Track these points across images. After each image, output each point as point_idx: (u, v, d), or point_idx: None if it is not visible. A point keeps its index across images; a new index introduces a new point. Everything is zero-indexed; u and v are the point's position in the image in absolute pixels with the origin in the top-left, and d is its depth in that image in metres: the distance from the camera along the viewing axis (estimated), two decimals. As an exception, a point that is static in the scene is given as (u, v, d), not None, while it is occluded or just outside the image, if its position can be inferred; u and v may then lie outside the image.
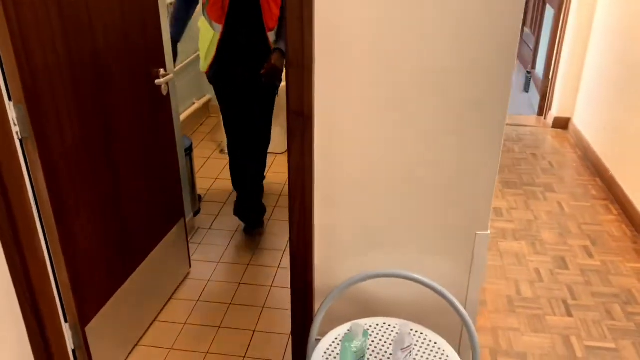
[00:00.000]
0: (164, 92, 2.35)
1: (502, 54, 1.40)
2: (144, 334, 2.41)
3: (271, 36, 2.61)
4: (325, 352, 1.54)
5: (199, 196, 3.33)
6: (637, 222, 3.19)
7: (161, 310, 2.55)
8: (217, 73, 2.72)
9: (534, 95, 5.06)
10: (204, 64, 2.72)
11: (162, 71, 2.31)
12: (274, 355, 2.32)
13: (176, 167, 2.61)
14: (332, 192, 1.61)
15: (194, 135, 4.30)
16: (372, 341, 1.58)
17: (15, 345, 1.76)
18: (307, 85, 1.47)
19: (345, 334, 1.44)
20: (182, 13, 2.75)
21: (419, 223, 1.61)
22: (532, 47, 5.48)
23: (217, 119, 4.36)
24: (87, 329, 1.99)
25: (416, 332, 1.61)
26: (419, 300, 1.69)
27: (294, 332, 1.81)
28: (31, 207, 1.71)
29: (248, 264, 2.89)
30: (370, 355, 1.54)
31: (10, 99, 1.59)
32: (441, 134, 1.50)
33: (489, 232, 1.58)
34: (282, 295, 2.65)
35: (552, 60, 4.62)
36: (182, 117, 4.00)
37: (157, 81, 2.28)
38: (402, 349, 1.46)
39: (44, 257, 1.79)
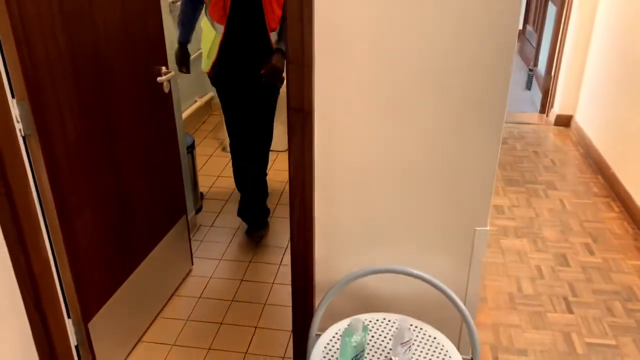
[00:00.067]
0: (166, 90, 2.36)
1: (501, 52, 1.41)
2: (146, 330, 2.43)
3: (273, 37, 2.60)
4: (325, 347, 1.56)
5: (201, 194, 3.34)
6: (638, 220, 3.20)
7: (163, 306, 2.56)
8: (219, 74, 2.73)
9: (536, 93, 5.06)
10: (206, 65, 2.73)
11: (163, 69, 2.32)
12: (275, 351, 2.34)
13: (178, 165, 2.62)
14: (333, 188, 1.62)
15: (196, 133, 4.31)
16: (372, 336, 1.60)
17: (18, 341, 1.78)
18: (307, 82, 1.48)
19: (345, 328, 1.45)
20: (188, 15, 2.76)
21: (418, 219, 1.62)
22: (534, 44, 5.48)
23: (219, 117, 4.37)
24: (90, 325, 2.01)
25: (416, 327, 1.62)
26: (419, 296, 1.70)
27: (295, 327, 1.82)
28: (35, 205, 1.73)
29: (250, 261, 2.90)
30: (370, 350, 1.55)
31: (13, 96, 1.60)
32: (440, 130, 1.51)
33: (487, 228, 1.59)
34: (284, 292, 2.66)
35: (554, 57, 4.62)
36: (185, 115, 4.02)
37: (158, 79, 2.29)
38: (401, 344, 1.47)
39: (47, 253, 1.80)
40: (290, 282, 1.81)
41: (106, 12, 1.94)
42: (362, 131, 1.55)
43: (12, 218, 1.65)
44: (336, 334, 1.60)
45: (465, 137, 1.51)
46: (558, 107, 4.56)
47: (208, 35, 2.67)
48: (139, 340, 2.37)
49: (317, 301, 1.76)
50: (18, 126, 1.64)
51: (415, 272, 1.58)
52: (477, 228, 1.59)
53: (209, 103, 4.58)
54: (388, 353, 1.54)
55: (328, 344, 1.57)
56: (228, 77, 2.73)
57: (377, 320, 1.65)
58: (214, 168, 3.82)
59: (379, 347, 1.56)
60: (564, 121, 4.53)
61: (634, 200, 3.26)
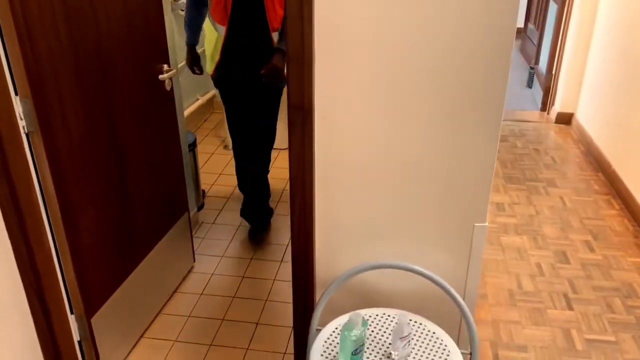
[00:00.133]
0: (168, 88, 2.38)
1: (500, 50, 1.42)
2: (148, 326, 2.44)
3: (275, 37, 2.60)
4: (325, 342, 1.57)
5: (203, 191, 3.36)
6: (639, 217, 3.20)
7: (166, 303, 2.58)
8: (221, 75, 2.73)
9: (537, 91, 5.07)
10: (210, 67, 2.73)
11: (165, 67, 2.33)
12: (276, 347, 2.35)
13: (180, 162, 2.64)
14: (333, 185, 1.64)
15: (198, 131, 4.33)
16: (372, 331, 1.61)
17: (22, 337, 1.79)
18: (307, 80, 1.50)
19: (345, 323, 1.46)
20: (193, 17, 2.76)
21: (417, 215, 1.63)
22: (535, 42, 5.48)
23: (220, 115, 4.39)
24: (93, 320, 2.02)
25: (415, 322, 1.63)
26: (418, 292, 1.71)
27: (296, 322, 1.84)
28: (38, 201, 1.75)
29: (251, 258, 2.92)
30: (370, 344, 1.56)
31: (16, 93, 1.62)
32: (439, 127, 1.52)
33: (486, 224, 1.60)
34: (285, 289, 2.68)
35: (555, 55, 4.63)
36: (186, 112, 4.03)
37: (160, 76, 2.31)
38: (401, 338, 1.48)
39: (50, 249, 1.82)
40: (290, 279, 1.83)
41: (107, 10, 1.95)
42: (362, 128, 1.56)
43: (16, 214, 1.67)
44: (336, 328, 1.61)
45: (464, 134, 1.52)
46: (559, 105, 4.57)
47: (211, 37, 2.68)
48: (141, 336, 2.39)
49: (317, 296, 1.78)
50: (21, 123, 1.65)
51: (415, 267, 1.59)
52: (476, 224, 1.61)
53: (210, 101, 4.60)
54: (387, 347, 1.56)
55: (328, 338, 1.58)
56: (229, 77, 2.73)
57: (377, 315, 1.66)
58: (215, 166, 3.84)
59: (379, 341, 1.58)
60: (565, 119, 4.54)
61: (635, 198, 3.27)
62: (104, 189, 2.03)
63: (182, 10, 3.85)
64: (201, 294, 2.66)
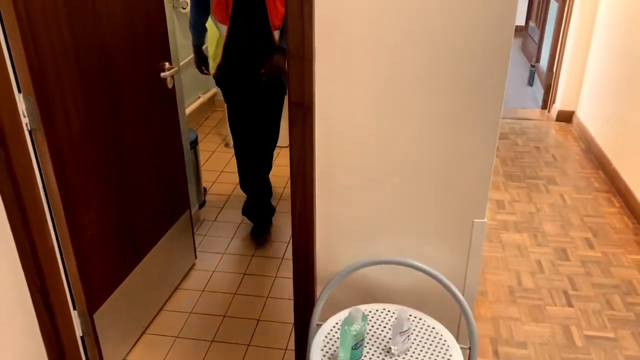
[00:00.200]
0: (170, 86, 2.39)
1: (499, 45, 1.43)
2: (150, 323, 2.46)
3: (277, 35, 2.60)
4: (326, 337, 1.58)
5: (204, 189, 3.38)
6: (639, 214, 3.21)
7: (167, 299, 2.60)
8: (223, 74, 2.74)
9: (538, 89, 5.08)
10: (212, 66, 2.74)
11: (167, 64, 2.35)
12: (277, 343, 2.37)
13: (181, 160, 2.65)
14: (333, 181, 1.65)
15: (199, 128, 4.35)
16: (372, 326, 1.62)
17: (25, 332, 1.81)
18: (307, 77, 1.51)
19: (345, 318, 1.48)
20: (198, 18, 2.76)
21: (417, 211, 1.64)
22: (536, 41, 5.49)
23: (222, 112, 4.40)
24: (95, 316, 2.04)
25: (415, 317, 1.65)
26: (418, 288, 1.72)
27: (296, 317, 1.85)
28: (41, 198, 1.76)
29: (252, 255, 2.93)
30: (370, 339, 1.58)
31: (19, 91, 1.63)
32: (439, 123, 1.53)
33: (485, 220, 1.61)
34: (286, 286, 2.70)
35: (556, 53, 4.63)
36: (188, 110, 4.05)
37: (162, 74, 2.32)
38: (400, 333, 1.50)
39: (53, 245, 1.84)
40: (292, 276, 1.84)
41: (109, 8, 1.96)
42: (362, 125, 1.57)
43: (19, 211, 1.69)
44: (336, 323, 1.63)
45: (464, 130, 1.54)
46: (559, 103, 4.57)
47: (213, 36, 2.69)
48: (143, 333, 2.41)
49: (318, 292, 1.79)
50: (24, 120, 1.67)
51: (415, 263, 1.61)
52: (475, 220, 1.62)
53: (212, 99, 4.61)
54: (387, 342, 1.57)
55: (328, 333, 1.60)
56: (231, 76, 2.74)
57: (377, 310, 1.68)
58: (217, 163, 3.85)
59: (379, 336, 1.59)
60: (566, 117, 4.54)
61: (635, 195, 3.27)
62: (106, 186, 2.05)
63: (184, 9, 3.87)
64: (203, 291, 2.67)
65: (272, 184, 3.12)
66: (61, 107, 1.77)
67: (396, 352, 1.53)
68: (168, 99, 2.44)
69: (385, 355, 1.53)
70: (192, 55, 4.07)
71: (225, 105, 2.93)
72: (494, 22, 1.41)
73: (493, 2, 1.39)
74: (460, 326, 1.75)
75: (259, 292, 2.67)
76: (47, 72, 1.69)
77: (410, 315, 1.64)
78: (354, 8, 1.44)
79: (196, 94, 4.41)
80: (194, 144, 3.06)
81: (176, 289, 2.67)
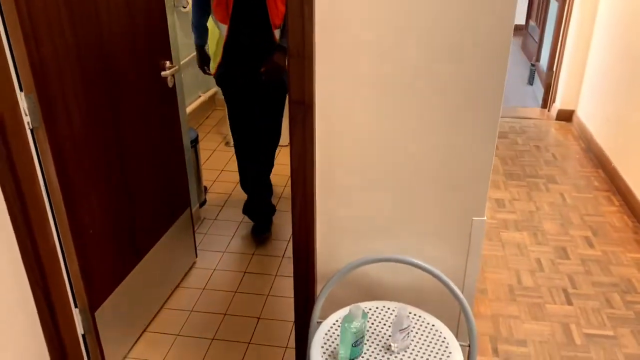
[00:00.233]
0: (170, 84, 2.40)
1: (499, 40, 1.44)
2: (151, 321, 2.47)
3: (277, 34, 2.60)
4: (326, 334, 1.59)
5: (205, 187, 3.38)
6: (638, 213, 3.22)
7: (168, 297, 2.60)
8: (223, 74, 2.74)
9: (538, 88, 5.08)
10: (213, 65, 2.74)
11: (168, 63, 2.35)
12: (278, 341, 2.38)
13: (182, 159, 2.66)
14: (333, 180, 1.66)
15: (199, 127, 4.35)
16: (372, 323, 1.63)
17: (27, 329, 1.82)
18: (307, 75, 1.52)
19: (345, 315, 1.48)
20: (199, 18, 2.76)
21: (417, 209, 1.65)
22: (536, 40, 5.49)
23: (222, 112, 4.40)
24: (97, 314, 2.05)
25: (414, 315, 1.65)
26: (418, 286, 1.73)
27: (297, 315, 1.86)
28: (42, 196, 1.77)
29: (253, 254, 2.94)
30: (370, 336, 1.59)
31: (21, 89, 1.64)
32: (438, 121, 1.54)
33: (484, 218, 1.62)
34: (287, 284, 2.70)
35: (556, 53, 4.64)
36: (188, 109, 4.05)
37: (163, 73, 2.33)
38: (400, 330, 1.50)
39: (54, 243, 1.84)
40: (292, 274, 1.85)
41: (110, 6, 1.97)
42: (362, 124, 1.58)
43: (21, 209, 1.69)
44: (337, 321, 1.63)
45: (464, 129, 1.54)
46: (560, 102, 4.58)
47: (213, 36, 2.69)
48: (144, 330, 2.42)
49: (318, 290, 1.80)
50: (26, 119, 1.67)
51: (414, 261, 1.61)
52: (474, 218, 1.62)
53: (212, 98, 4.62)
54: (387, 339, 1.58)
55: (329, 331, 1.60)
56: (231, 76, 2.74)
57: (377, 308, 1.69)
58: (217, 162, 3.86)
59: (379, 333, 1.60)
60: (566, 116, 4.55)
61: (634, 194, 3.28)
62: (106, 185, 2.05)
63: (184, 8, 3.88)
64: (203, 289, 2.68)
65: (273, 183, 3.13)
66: (62, 106, 1.78)
67: (396, 350, 1.54)
68: (168, 97, 2.45)
69: (385, 353, 1.54)
70: (192, 54, 4.10)
71: (226, 105, 2.93)
72: (494, 21, 1.42)
73: (493, 1, 1.40)
74: (460, 324, 1.76)
75: (260, 290, 2.68)
76: (49, 70, 1.70)
77: (410, 313, 1.64)
78: (354, 7, 1.45)
79: (197, 93, 4.41)
80: (195, 142, 3.07)
81: (177, 287, 2.68)
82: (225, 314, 2.53)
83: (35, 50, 1.63)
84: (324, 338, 1.58)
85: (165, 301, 2.58)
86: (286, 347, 2.34)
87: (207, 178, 3.58)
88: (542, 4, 5.35)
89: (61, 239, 1.86)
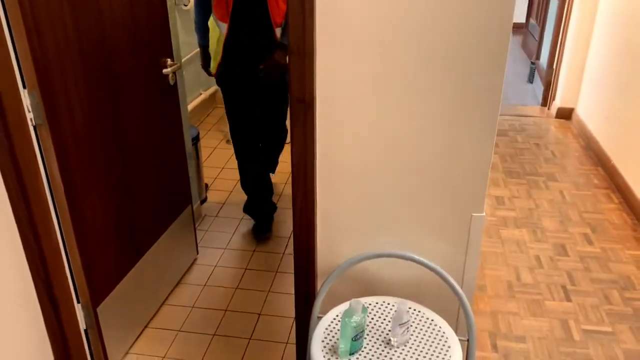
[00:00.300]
0: (171, 82, 2.41)
1: (498, 37, 1.45)
2: (153, 316, 2.48)
3: (278, 32, 2.60)
4: (326, 329, 1.61)
5: (206, 185, 3.40)
6: (637, 211, 3.23)
7: (169, 294, 2.62)
8: (223, 73, 2.73)
9: (538, 86, 5.09)
10: (213, 66, 2.74)
11: (169, 61, 2.37)
12: (278, 337, 2.39)
13: (183, 156, 2.67)
14: (334, 176, 1.67)
15: (200, 125, 4.37)
16: (372, 318, 1.65)
17: (30, 325, 1.83)
18: (308, 73, 1.53)
19: (345, 310, 1.50)
20: (200, 19, 2.76)
21: (417, 205, 1.66)
22: (536, 38, 5.50)
23: (223, 109, 4.39)
24: (99, 310, 2.06)
25: (414, 310, 1.67)
26: (418, 281, 1.75)
27: (297, 310, 1.88)
28: (45, 193, 1.78)
29: (254, 251, 2.95)
30: (370, 331, 1.60)
31: (24, 87, 1.65)
32: (438, 118, 1.55)
33: (484, 214, 1.63)
34: (287, 280, 2.72)
35: (556, 51, 4.65)
36: (189, 107, 4.06)
37: (164, 70, 2.34)
38: (400, 325, 1.52)
39: (57, 239, 1.86)
40: (293, 271, 1.86)
41: (112, 3, 1.98)
42: (362, 121, 1.59)
43: (24, 205, 1.71)
44: (337, 316, 1.65)
45: (463, 125, 1.56)
46: (559, 100, 4.59)
47: (214, 35, 2.69)
48: (145, 326, 2.43)
49: (318, 285, 1.81)
50: (29, 116, 1.69)
51: (414, 256, 1.63)
52: (473, 214, 1.64)
53: (213, 96, 4.63)
54: (387, 334, 1.59)
55: (329, 325, 1.62)
56: (231, 74, 2.72)
57: (377, 303, 1.70)
58: (218, 160, 3.87)
59: (378, 328, 1.61)
60: (565, 114, 4.56)
61: (634, 192, 3.29)
62: (108, 182, 2.07)
63: (185, 5, 3.89)
64: (204, 285, 2.70)
65: (273, 180, 3.14)
66: (65, 103, 1.79)
67: (395, 344, 1.55)
68: (170, 95, 2.46)
69: (385, 347, 1.56)
70: (193, 52, 4.11)
71: (225, 104, 2.89)
72: (493, 18, 1.43)
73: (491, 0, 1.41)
74: (459, 319, 1.77)
75: (260, 286, 2.69)
76: (52, 67, 1.71)
77: (410, 308, 1.66)
78: (355, 5, 1.46)
79: (197, 91, 4.43)
80: (196, 140, 3.08)
81: (178, 283, 2.70)
82: (226, 310, 2.54)
83: (37, 46, 1.64)
84: (324, 333, 1.60)
85: (167, 297, 2.60)
86: (287, 343, 2.36)
87: (208, 175, 3.59)
88: (542, 2, 5.36)
89: (63, 235, 1.88)
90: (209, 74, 2.88)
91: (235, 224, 3.18)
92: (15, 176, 1.66)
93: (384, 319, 1.65)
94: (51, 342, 1.92)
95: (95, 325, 2.06)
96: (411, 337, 1.58)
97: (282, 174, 3.54)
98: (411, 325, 1.60)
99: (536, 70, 5.35)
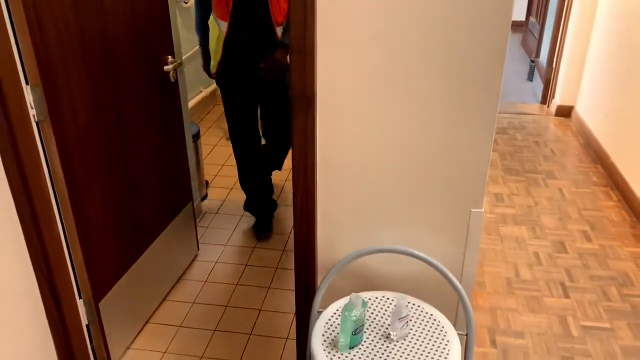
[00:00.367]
0: (172, 79, 2.42)
1: (497, 34, 1.46)
2: (154, 312, 2.50)
3: (279, 31, 2.58)
4: (326, 323, 1.62)
5: (206, 182, 3.41)
6: (636, 208, 3.25)
7: (170, 289, 2.64)
8: (223, 72, 2.72)
9: (538, 84, 5.11)
10: (213, 65, 2.73)
11: (170, 58, 2.38)
12: (279, 332, 2.41)
13: (184, 152, 2.68)
14: (334, 172, 1.68)
15: (201, 122, 4.38)
16: (372, 313, 1.66)
17: (33, 320, 1.85)
18: (309, 70, 1.54)
19: (345, 304, 1.51)
20: (200, 18, 2.75)
21: (417, 201, 1.68)
22: (536, 36, 5.51)
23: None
24: (100, 305, 2.08)
25: (413, 304, 1.68)
26: (417, 276, 1.76)
27: (298, 305, 1.89)
28: (47, 189, 1.80)
29: (254, 247, 2.97)
30: (369, 325, 1.62)
31: (27, 83, 1.67)
32: (438, 115, 1.57)
33: (482, 209, 1.65)
34: (287, 276, 2.74)
35: (555, 49, 4.66)
36: (190, 104, 4.08)
37: (165, 67, 2.35)
38: (399, 319, 1.54)
39: (59, 235, 1.87)
40: (293, 267, 1.88)
41: (115, 0, 1.99)
42: (362, 117, 1.61)
43: (27, 201, 1.72)
44: (337, 310, 1.66)
45: (462, 122, 1.57)
46: (559, 98, 4.60)
47: (214, 34, 2.69)
48: (147, 322, 2.45)
49: (319, 280, 1.83)
50: (32, 112, 1.70)
51: (413, 251, 1.64)
52: (472, 210, 1.65)
53: (213, 93, 4.64)
54: (386, 328, 1.61)
55: (329, 320, 1.64)
56: (230, 73, 2.71)
57: (376, 297, 1.72)
58: (218, 157, 3.88)
59: (378, 322, 1.63)
60: (565, 112, 4.57)
61: (632, 190, 3.31)
62: (110, 178, 2.08)
63: (186, 3, 3.90)
64: (205, 281, 2.71)
65: (274, 177, 3.15)
66: (67, 99, 1.80)
67: (395, 338, 1.57)
68: (170, 92, 2.47)
69: (385, 341, 1.57)
70: (194, 50, 4.12)
71: (223, 104, 2.86)
72: (492, 15, 1.44)
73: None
74: (458, 313, 1.79)
75: (261, 282, 2.71)
76: (54, 63, 1.72)
77: (409, 303, 1.67)
78: (355, 2, 1.47)
79: (198, 88, 4.44)
80: (196, 137, 3.09)
81: (179, 279, 2.71)
82: (226, 306, 2.56)
83: (40, 42, 1.65)
84: (324, 327, 1.61)
85: (168, 293, 2.62)
86: (287, 338, 2.37)
87: (208, 172, 3.60)
88: (542, 0, 5.36)
89: (65, 229, 1.89)
90: (210, 75, 2.85)
91: (236, 220, 3.19)
92: (18, 172, 1.68)
93: (384, 314, 1.66)
94: (53, 337, 1.93)
95: (97, 320, 2.08)
96: (410, 331, 1.60)
97: (282, 171, 3.55)
98: (410, 320, 1.61)
99: (536, 68, 5.36)
